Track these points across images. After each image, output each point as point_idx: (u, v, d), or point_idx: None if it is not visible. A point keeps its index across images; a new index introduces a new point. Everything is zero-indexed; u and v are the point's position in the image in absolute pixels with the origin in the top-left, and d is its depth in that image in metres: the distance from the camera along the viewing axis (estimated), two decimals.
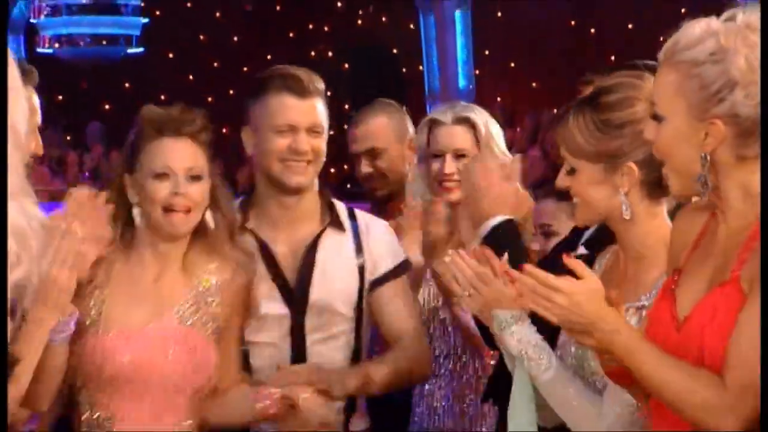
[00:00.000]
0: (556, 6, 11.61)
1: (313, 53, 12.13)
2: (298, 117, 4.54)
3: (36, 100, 4.80)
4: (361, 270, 4.69)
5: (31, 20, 12.08)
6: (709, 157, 3.30)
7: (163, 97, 16.64)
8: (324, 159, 4.70)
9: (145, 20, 12.04)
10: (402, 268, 4.71)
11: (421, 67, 14.03)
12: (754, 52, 3.26)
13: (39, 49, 14.45)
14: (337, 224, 4.70)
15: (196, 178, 4.26)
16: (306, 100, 4.58)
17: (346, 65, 11.74)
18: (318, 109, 4.60)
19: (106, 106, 15.03)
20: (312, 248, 4.67)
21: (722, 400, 3.36)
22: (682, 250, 3.57)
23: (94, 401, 4.20)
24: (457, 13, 11.63)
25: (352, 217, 4.77)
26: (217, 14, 12.87)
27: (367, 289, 4.68)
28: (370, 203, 5.88)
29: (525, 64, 11.91)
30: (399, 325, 4.70)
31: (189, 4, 12.70)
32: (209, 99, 15.41)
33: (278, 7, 12.39)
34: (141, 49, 12.63)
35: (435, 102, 13.84)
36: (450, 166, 5.43)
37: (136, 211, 4.26)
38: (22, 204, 2.90)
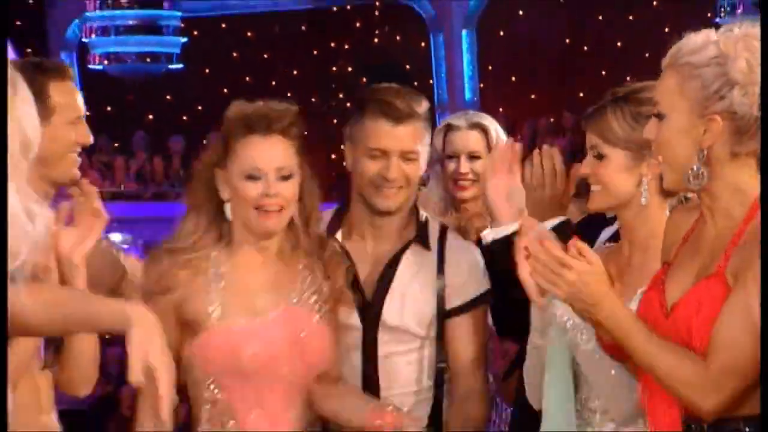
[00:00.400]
0: (552, 26, 11.70)
1: (334, 68, 12.24)
2: (391, 143, 4.23)
3: (75, 93, 4.58)
4: (440, 293, 4.32)
5: (83, 39, 12.20)
6: (705, 152, 3.36)
7: (199, 108, 16.04)
8: (417, 184, 4.39)
9: (184, 39, 12.20)
10: (480, 301, 4.30)
11: (431, 81, 14.02)
12: (755, 55, 3.33)
13: (90, 66, 14.32)
14: (422, 242, 4.34)
15: (286, 177, 3.98)
16: (400, 126, 4.23)
17: (364, 79, 11.71)
18: (413, 135, 4.25)
19: (150, 117, 15.00)
20: (392, 264, 4.36)
21: (704, 379, 3.45)
22: (674, 244, 3.63)
23: (217, 396, 3.89)
24: (464, 33, 11.68)
25: (443, 237, 4.39)
26: (249, 34, 12.89)
27: (444, 314, 4.33)
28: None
29: (524, 78, 12.00)
30: (459, 363, 4.32)
31: (223, 25, 12.74)
32: None
33: (303, 28, 12.39)
34: (180, 66, 12.75)
35: (444, 113, 13.63)
36: (465, 166, 5.35)
37: (227, 207, 4.01)
38: (28, 206, 2.92)
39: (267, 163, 3.94)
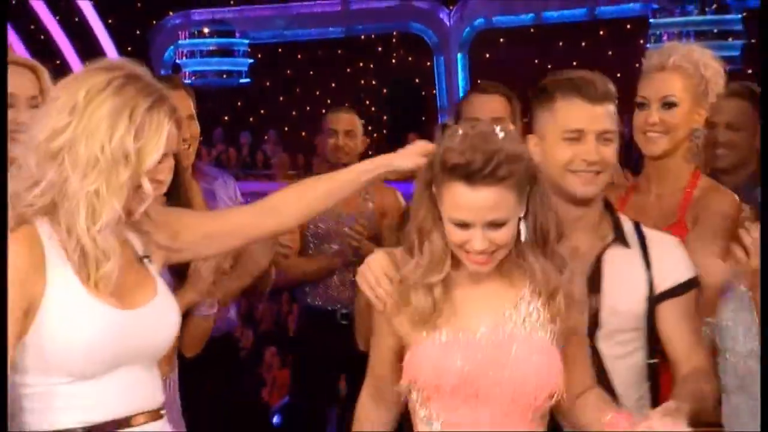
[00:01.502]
0: (524, 50, 11.94)
1: (362, 82, 12.56)
2: (587, 122, 3.33)
3: (185, 98, 4.76)
4: (650, 285, 3.41)
5: (177, 61, 12.30)
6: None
7: (262, 111, 16.09)
8: (612, 169, 3.45)
9: (251, 61, 12.26)
10: (690, 285, 3.42)
11: (434, 92, 13.65)
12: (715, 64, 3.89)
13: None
14: (622, 240, 3.43)
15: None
16: (597, 105, 3.35)
17: (384, 90, 12.14)
18: (609, 115, 3.38)
19: (225, 117, 14.89)
20: (597, 262, 3.40)
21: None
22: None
23: (432, 414, 3.06)
24: (459, 55, 12.00)
25: (638, 231, 3.48)
26: (299, 56, 13.18)
27: (654, 305, 3.41)
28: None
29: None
30: (679, 345, 3.38)
31: (279, 50, 13.00)
32: (293, 113, 14.92)
33: (339, 51, 12.70)
34: (248, 80, 12.73)
35: (444, 115, 13.35)
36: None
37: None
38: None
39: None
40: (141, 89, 2.77)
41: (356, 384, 3.30)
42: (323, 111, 7.94)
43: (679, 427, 2.77)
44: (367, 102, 12.01)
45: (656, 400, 3.39)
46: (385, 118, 10.94)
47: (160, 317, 2.96)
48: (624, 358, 3.41)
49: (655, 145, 4.16)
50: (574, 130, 3.35)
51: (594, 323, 3.30)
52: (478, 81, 12.87)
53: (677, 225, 4.15)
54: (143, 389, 2.96)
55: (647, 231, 3.49)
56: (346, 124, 6.42)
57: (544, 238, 3.01)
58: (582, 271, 3.27)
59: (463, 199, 2.90)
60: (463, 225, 2.93)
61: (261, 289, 5.38)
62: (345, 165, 6.50)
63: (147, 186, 2.77)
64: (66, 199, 2.71)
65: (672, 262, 3.42)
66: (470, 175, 2.87)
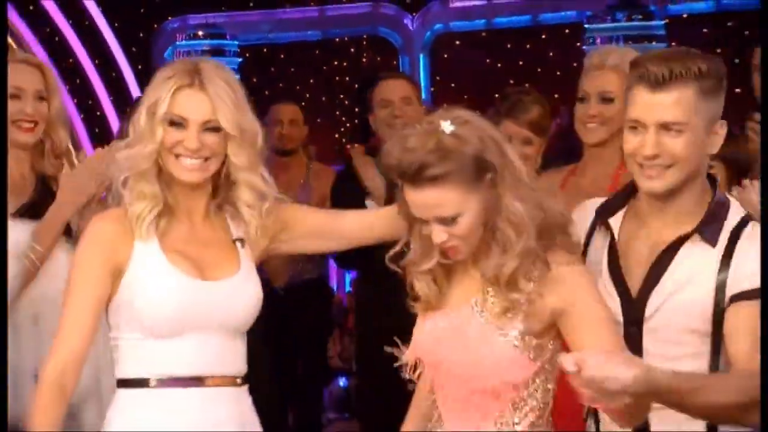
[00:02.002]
0: (477, 51, 12.09)
1: (337, 78, 12.52)
2: (645, 113, 2.83)
3: None
4: (722, 287, 2.85)
5: (174, 59, 11.03)
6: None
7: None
8: (696, 161, 2.89)
9: (240, 60, 12.00)
10: (761, 292, 2.78)
11: None
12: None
13: None
14: (702, 235, 2.90)
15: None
16: (659, 92, 2.80)
17: (356, 85, 11.34)
18: (676, 103, 2.80)
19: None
20: (668, 252, 2.93)
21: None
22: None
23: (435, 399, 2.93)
24: (421, 56, 12.08)
25: (739, 229, 2.90)
26: (281, 56, 12.78)
27: (722, 310, 2.84)
28: None
29: (459, 86, 12.10)
30: (739, 347, 2.80)
31: (264, 50, 12.73)
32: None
33: (317, 52, 12.66)
34: (237, 76, 11.81)
35: None
36: None
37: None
38: None
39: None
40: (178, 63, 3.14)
41: None
42: (303, 103, 8.28)
43: (630, 370, 2.45)
44: (341, 96, 12.04)
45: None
46: (356, 109, 11.32)
47: (237, 292, 3.04)
48: (672, 361, 2.83)
49: (593, 134, 4.32)
50: (634, 120, 2.89)
51: (640, 313, 2.92)
52: (436, 77, 13.05)
53: None
54: (221, 356, 3.04)
55: (749, 229, 2.89)
56: (290, 114, 6.57)
57: (494, 231, 2.76)
58: (648, 261, 2.92)
59: (410, 198, 2.78)
60: (422, 220, 2.80)
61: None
62: (290, 151, 6.71)
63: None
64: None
65: (751, 265, 2.83)
66: (404, 176, 2.75)
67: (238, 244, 3.08)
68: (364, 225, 3.26)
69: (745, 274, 2.83)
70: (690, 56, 2.84)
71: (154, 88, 3.01)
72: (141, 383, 3.02)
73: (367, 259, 3.80)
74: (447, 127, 2.75)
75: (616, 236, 2.99)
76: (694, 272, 2.90)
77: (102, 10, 11.91)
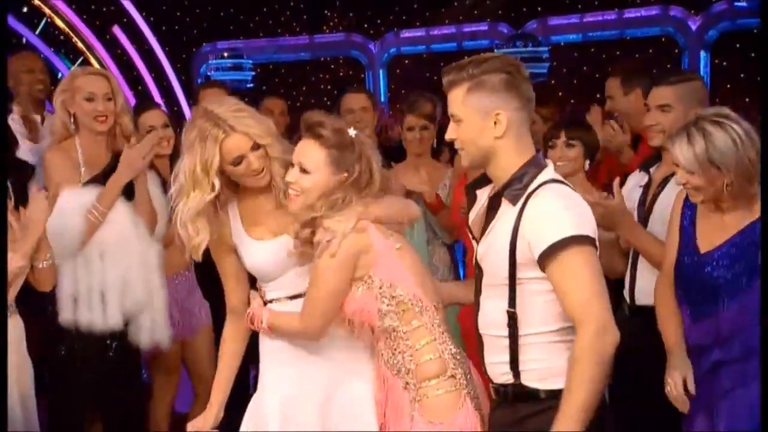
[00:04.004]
0: (419, 68, 11.71)
1: (321, 87, 12.08)
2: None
3: (222, 93, 4.77)
4: (513, 243, 2.44)
5: (207, 74, 11.66)
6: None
7: (256, 107, 17.34)
8: (467, 144, 2.56)
9: (253, 73, 11.76)
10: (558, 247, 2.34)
11: None
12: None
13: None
14: (509, 196, 2.49)
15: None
16: (448, 92, 2.53)
17: (335, 92, 11.81)
18: (452, 99, 2.50)
19: None
20: (492, 208, 2.54)
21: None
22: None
23: None
24: (381, 71, 11.78)
25: (536, 189, 2.46)
26: (282, 71, 12.45)
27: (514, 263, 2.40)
28: None
29: (405, 93, 11.70)
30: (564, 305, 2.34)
31: (270, 67, 12.32)
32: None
33: (307, 68, 12.21)
34: (251, 86, 11.82)
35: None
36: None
37: None
38: None
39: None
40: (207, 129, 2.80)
41: None
42: (297, 104, 8.16)
43: None
44: (324, 98, 11.59)
45: None
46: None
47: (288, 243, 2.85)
48: (489, 299, 2.57)
49: None
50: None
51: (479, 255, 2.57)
52: (391, 86, 13.02)
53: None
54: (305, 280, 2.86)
55: (542, 191, 2.48)
56: (280, 107, 6.11)
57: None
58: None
59: (300, 145, 2.76)
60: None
61: None
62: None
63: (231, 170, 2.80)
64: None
65: (538, 225, 2.50)
66: (305, 124, 2.77)
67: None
68: None
69: (532, 238, 2.37)
70: (464, 64, 2.56)
71: (196, 150, 2.80)
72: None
73: None
74: (351, 131, 2.77)
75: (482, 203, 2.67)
76: (499, 225, 2.54)
77: (157, 38, 11.83)
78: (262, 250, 2.84)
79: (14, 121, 4.69)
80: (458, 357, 2.65)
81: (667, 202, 3.15)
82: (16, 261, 3.04)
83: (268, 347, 2.85)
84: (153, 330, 3.85)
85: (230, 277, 2.86)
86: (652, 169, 3.45)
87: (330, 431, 2.76)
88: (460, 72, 2.54)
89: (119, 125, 3.91)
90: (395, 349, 2.61)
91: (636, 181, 3.51)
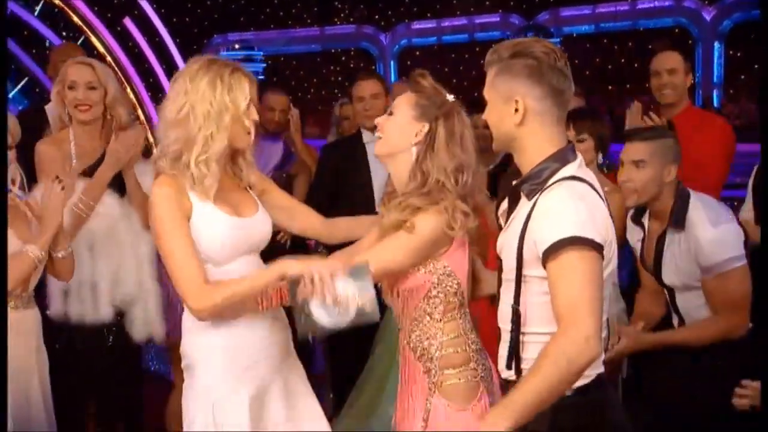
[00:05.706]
0: (431, 59, 11.44)
1: (332, 78, 11.93)
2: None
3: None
4: (521, 237, 2.18)
5: None
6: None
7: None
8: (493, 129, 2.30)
9: (264, 65, 11.74)
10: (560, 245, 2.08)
11: None
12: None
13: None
14: (525, 190, 2.27)
15: None
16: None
17: (346, 83, 12.48)
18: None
19: None
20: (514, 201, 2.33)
21: None
22: None
23: None
24: (392, 62, 11.76)
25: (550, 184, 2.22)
26: (294, 62, 12.33)
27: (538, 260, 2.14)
28: None
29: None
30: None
31: (282, 59, 12.33)
32: (290, 97, 15.77)
33: (318, 59, 11.98)
34: (263, 77, 11.88)
35: None
36: None
37: None
38: None
39: None
40: (221, 65, 2.56)
41: None
42: (308, 96, 8.12)
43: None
44: (335, 90, 11.53)
45: None
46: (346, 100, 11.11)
47: (262, 224, 2.71)
48: (505, 293, 2.34)
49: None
50: None
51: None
52: (402, 77, 13.02)
53: None
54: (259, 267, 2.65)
55: (556, 187, 2.23)
56: (282, 104, 5.80)
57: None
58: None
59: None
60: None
61: None
62: (278, 134, 6.16)
63: (246, 122, 2.56)
64: (187, 144, 2.52)
65: (547, 221, 2.20)
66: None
67: (250, 190, 2.74)
68: (311, 219, 2.91)
69: (541, 233, 2.16)
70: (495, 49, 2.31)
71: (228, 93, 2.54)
72: None
73: None
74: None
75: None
76: (514, 221, 2.32)
77: (168, 30, 11.82)
78: (228, 221, 2.59)
79: (52, 110, 4.53)
80: (481, 354, 2.54)
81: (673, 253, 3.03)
82: (35, 252, 2.92)
83: (206, 346, 2.60)
84: (146, 322, 3.69)
85: (194, 254, 2.55)
86: (644, 221, 3.20)
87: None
88: (494, 54, 2.32)
89: (113, 116, 3.69)
90: (425, 334, 2.50)
91: (634, 235, 3.26)
